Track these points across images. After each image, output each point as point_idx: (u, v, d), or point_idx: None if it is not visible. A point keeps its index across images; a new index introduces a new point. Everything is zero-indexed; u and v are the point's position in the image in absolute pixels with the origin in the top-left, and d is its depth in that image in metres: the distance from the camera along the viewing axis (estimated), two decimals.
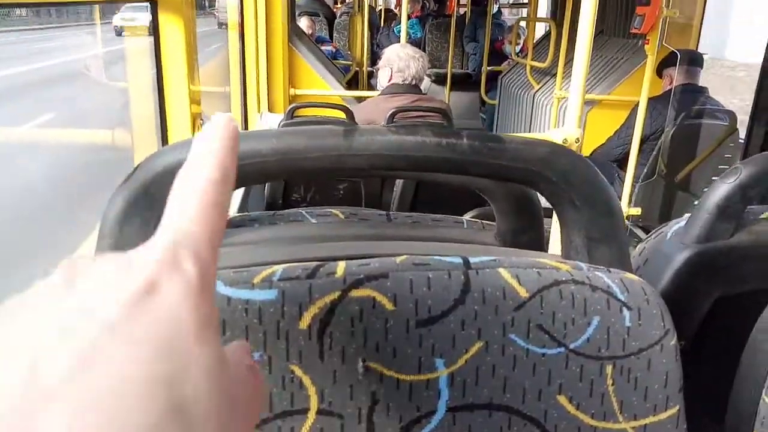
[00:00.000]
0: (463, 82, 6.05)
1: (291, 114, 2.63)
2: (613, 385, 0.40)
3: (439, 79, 5.86)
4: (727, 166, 3.00)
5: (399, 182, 1.91)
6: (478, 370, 0.39)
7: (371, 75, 5.22)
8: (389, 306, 0.38)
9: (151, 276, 0.19)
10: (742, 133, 2.84)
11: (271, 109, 2.95)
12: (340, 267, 0.38)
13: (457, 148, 0.40)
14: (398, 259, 0.39)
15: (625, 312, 0.39)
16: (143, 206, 0.41)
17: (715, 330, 0.64)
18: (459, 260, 0.39)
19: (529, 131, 4.30)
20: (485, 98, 5.56)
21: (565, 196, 0.42)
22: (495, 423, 0.39)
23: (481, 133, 0.41)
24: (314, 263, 0.38)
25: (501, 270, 0.39)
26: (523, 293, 0.38)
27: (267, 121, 2.76)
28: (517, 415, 0.40)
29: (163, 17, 1.18)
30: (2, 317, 0.18)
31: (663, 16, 2.54)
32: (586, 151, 3.15)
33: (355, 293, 0.37)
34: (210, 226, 0.21)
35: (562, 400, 0.40)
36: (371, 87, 4.91)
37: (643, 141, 2.76)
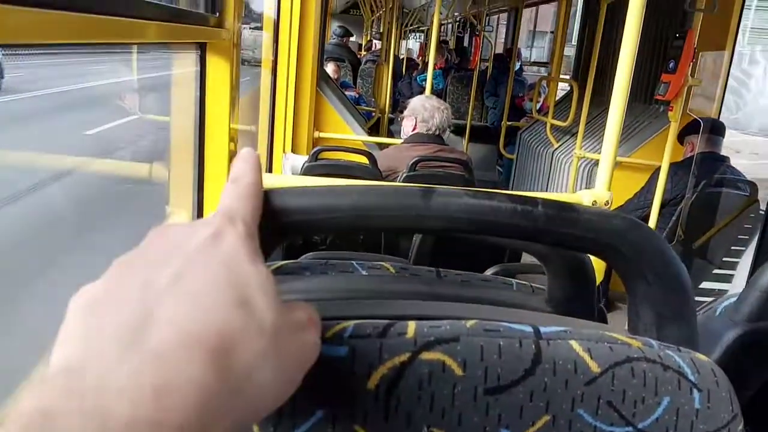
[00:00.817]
0: (481, 135, 6.13)
1: (315, 156, 2.66)
2: None
3: (458, 130, 5.94)
4: (746, 237, 2.99)
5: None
6: None
7: (391, 122, 5.30)
8: (458, 371, 0.37)
9: (217, 227, 0.29)
10: (764, 204, 2.84)
11: (294, 150, 3.00)
12: (411, 327, 0.38)
13: (531, 216, 0.40)
14: (468, 323, 0.39)
15: (696, 394, 0.39)
16: None
17: (763, 413, 0.63)
18: (530, 329, 0.39)
19: (547, 189, 4.31)
20: (503, 152, 5.62)
21: (636, 271, 0.42)
22: None
23: (555, 202, 0.41)
24: (384, 321, 0.38)
25: (572, 342, 0.38)
26: (595, 368, 0.38)
27: (291, 161, 2.80)
28: None
29: (210, 59, 1.22)
30: (125, 260, 0.29)
31: (687, 85, 2.58)
32: None
33: (426, 356, 0.37)
34: (250, 206, 0.33)
35: None
36: (391, 134, 4.99)
37: (662, 206, 2.76)
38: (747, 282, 0.71)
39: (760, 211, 2.82)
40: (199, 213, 1.27)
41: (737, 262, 2.97)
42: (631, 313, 0.45)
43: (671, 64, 2.62)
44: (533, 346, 0.38)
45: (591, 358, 0.38)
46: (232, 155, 1.32)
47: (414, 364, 0.37)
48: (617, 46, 1.42)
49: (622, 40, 1.38)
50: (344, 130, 3.54)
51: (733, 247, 2.98)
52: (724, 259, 2.98)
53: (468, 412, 0.37)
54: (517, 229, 0.40)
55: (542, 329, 0.39)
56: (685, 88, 2.57)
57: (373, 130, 4.70)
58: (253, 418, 0.27)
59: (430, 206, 0.40)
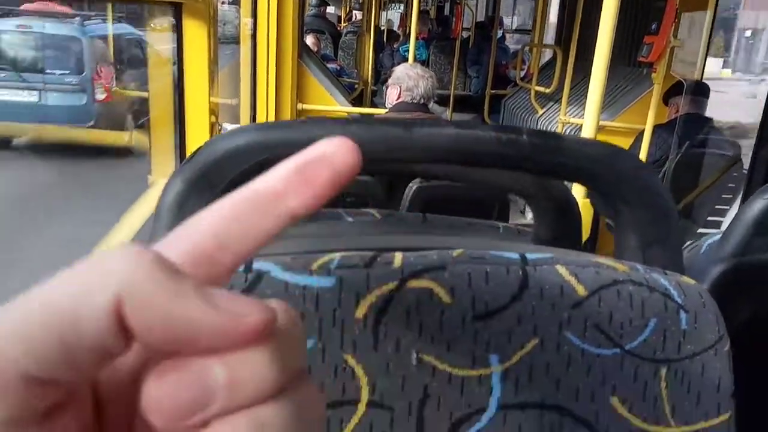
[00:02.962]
0: (465, 104, 6.12)
1: None
2: (666, 388, 0.39)
3: (442, 100, 5.92)
4: (730, 196, 3.02)
5: (409, 189, 1.91)
6: (531, 368, 0.38)
7: (374, 93, 5.26)
8: (446, 298, 0.37)
9: None
10: (746, 164, 2.87)
11: None
12: (398, 257, 0.38)
13: (516, 144, 0.40)
14: (455, 252, 0.39)
15: (682, 315, 0.39)
16: (201, 188, 0.41)
17: (749, 346, 0.64)
18: (516, 256, 0.39)
19: None
20: (488, 121, 5.61)
21: (620, 196, 0.42)
22: (546, 423, 0.39)
23: (540, 131, 0.41)
24: (371, 252, 0.38)
25: (559, 267, 0.39)
26: (582, 291, 0.38)
27: None
28: (569, 416, 0.39)
29: (187, 23, 1.19)
30: None
31: (670, 46, 2.58)
32: None
33: (413, 284, 0.37)
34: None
35: (615, 402, 0.39)
36: (375, 105, 4.95)
37: None
38: (732, 218, 0.72)
39: (744, 170, 2.85)
40: None
41: (721, 221, 3.01)
42: (617, 238, 0.45)
43: (654, 26, 2.61)
44: (520, 272, 0.38)
45: (578, 281, 0.38)
46: (213, 126, 1.31)
47: (401, 292, 0.37)
48: (599, 10, 1.41)
49: (603, 3, 1.37)
50: (328, 101, 3.51)
51: (717, 206, 3.01)
52: (709, 218, 3.01)
53: (456, 338, 0.37)
54: (502, 158, 0.40)
55: (528, 255, 0.39)
56: (668, 50, 2.57)
57: (357, 103, 4.66)
58: None
59: (413, 137, 0.39)
